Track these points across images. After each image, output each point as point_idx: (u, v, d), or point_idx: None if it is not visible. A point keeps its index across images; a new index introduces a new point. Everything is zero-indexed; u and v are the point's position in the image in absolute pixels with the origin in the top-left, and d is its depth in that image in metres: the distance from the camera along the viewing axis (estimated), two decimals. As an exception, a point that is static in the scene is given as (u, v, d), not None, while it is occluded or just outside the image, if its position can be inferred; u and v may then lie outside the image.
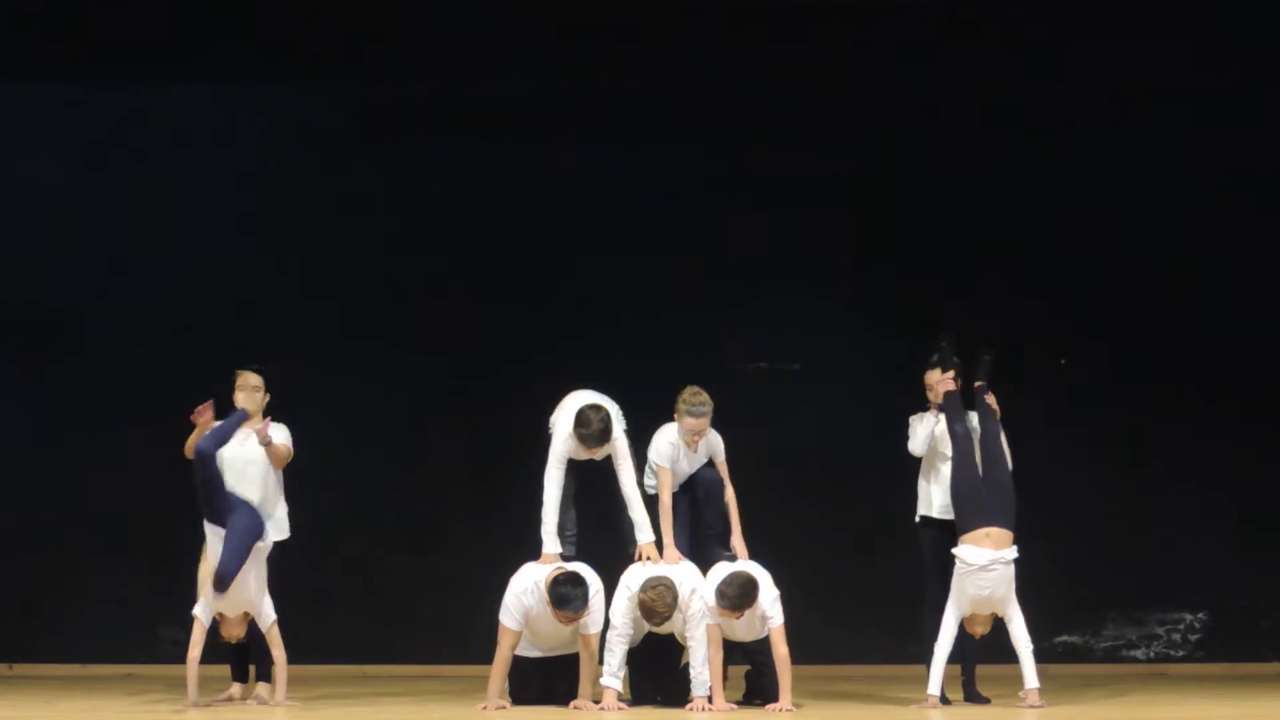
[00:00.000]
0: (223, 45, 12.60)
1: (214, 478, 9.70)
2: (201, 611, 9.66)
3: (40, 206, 12.71)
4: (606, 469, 10.01)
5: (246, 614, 9.68)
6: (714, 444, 10.12)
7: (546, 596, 9.46)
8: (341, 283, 12.64)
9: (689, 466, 10.09)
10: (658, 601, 9.38)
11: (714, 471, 10.09)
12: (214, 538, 9.67)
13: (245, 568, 9.60)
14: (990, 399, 10.13)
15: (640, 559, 9.78)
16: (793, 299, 12.53)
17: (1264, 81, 12.70)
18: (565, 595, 9.40)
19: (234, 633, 9.72)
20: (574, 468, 10.01)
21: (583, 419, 9.83)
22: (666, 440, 10.01)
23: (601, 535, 10.21)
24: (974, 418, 10.14)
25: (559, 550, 9.81)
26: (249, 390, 10.13)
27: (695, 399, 9.91)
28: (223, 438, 9.83)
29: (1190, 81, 12.68)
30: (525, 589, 9.59)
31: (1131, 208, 12.73)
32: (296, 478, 10.38)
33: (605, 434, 9.85)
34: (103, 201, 12.70)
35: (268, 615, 9.71)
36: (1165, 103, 12.74)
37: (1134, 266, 12.71)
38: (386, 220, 12.72)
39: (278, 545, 9.96)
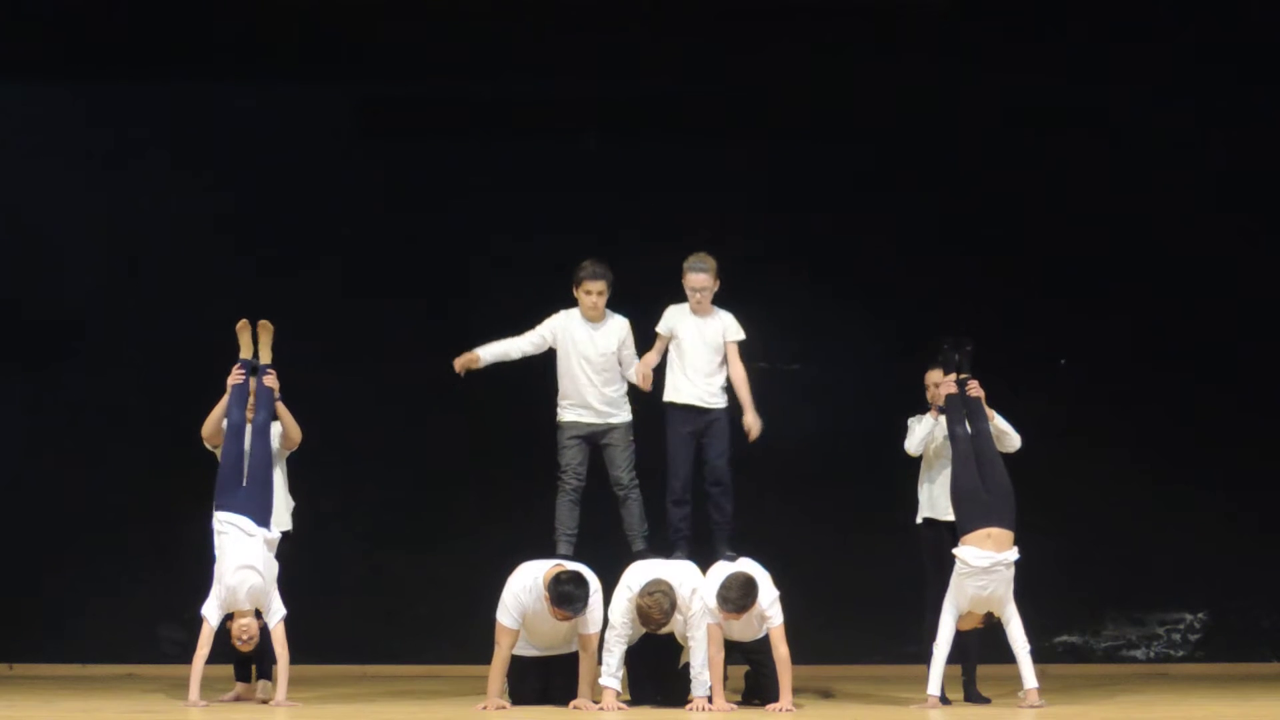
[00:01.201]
0: (222, 45, 12.60)
1: (241, 451, 9.89)
2: (209, 611, 9.65)
3: (40, 207, 12.71)
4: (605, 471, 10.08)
5: (257, 612, 9.67)
6: (728, 322, 10.19)
7: (545, 595, 9.46)
8: (341, 282, 12.64)
9: (698, 337, 10.09)
10: (654, 609, 9.37)
11: (727, 469, 10.07)
12: (221, 533, 9.70)
13: (254, 560, 9.61)
14: (973, 387, 10.11)
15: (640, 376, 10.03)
16: (793, 298, 12.53)
17: (1265, 81, 12.71)
18: (568, 594, 9.38)
19: (245, 624, 9.63)
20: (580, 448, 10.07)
21: (580, 265, 10.05)
22: (675, 308, 10.17)
23: (600, 537, 10.22)
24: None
25: (480, 357, 10.06)
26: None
27: (695, 257, 10.10)
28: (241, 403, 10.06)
29: (1193, 80, 12.69)
30: (523, 588, 9.58)
31: (1134, 207, 12.73)
32: (297, 476, 10.39)
33: (600, 270, 10.01)
34: (102, 201, 12.70)
35: (276, 610, 9.70)
36: (1168, 101, 12.74)
37: (1134, 267, 12.71)
38: (386, 219, 12.72)
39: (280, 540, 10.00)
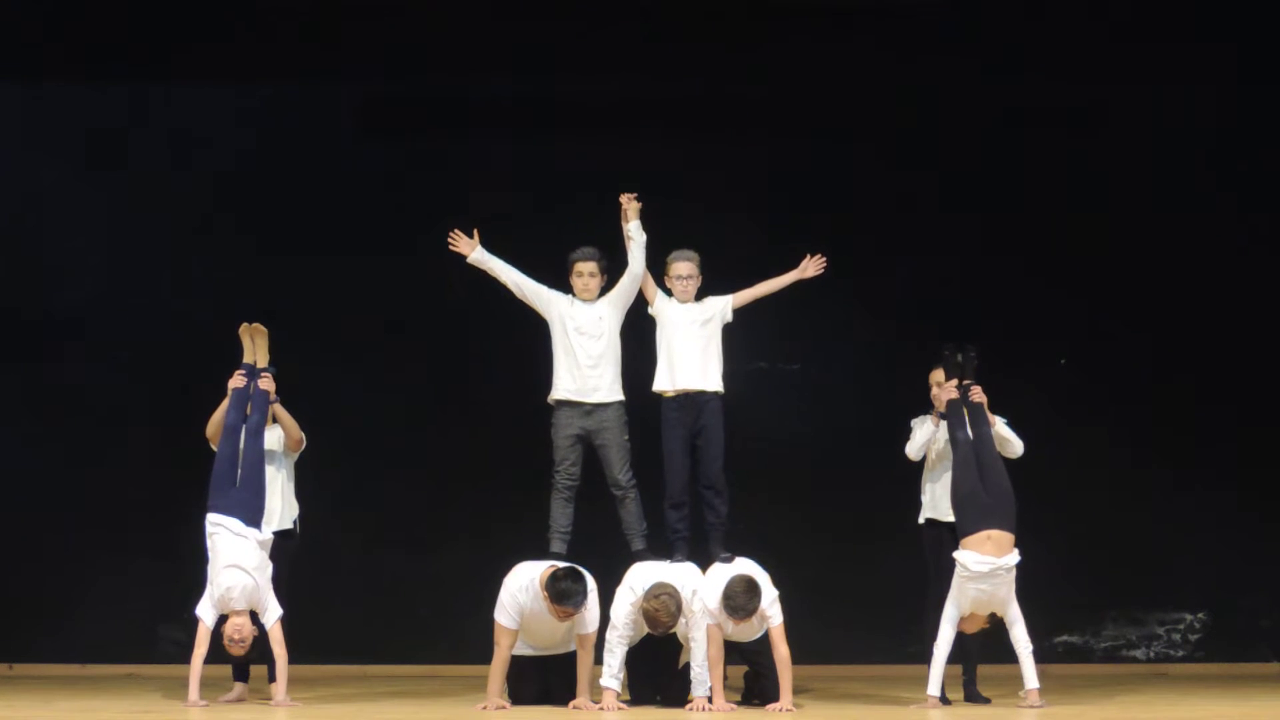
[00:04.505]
0: (222, 45, 12.61)
1: (236, 453, 9.89)
2: (204, 612, 9.66)
3: (40, 207, 12.73)
4: (602, 473, 10.09)
5: (253, 615, 9.65)
6: (716, 301, 10.26)
7: (544, 593, 9.46)
8: (342, 282, 12.64)
9: (684, 322, 10.13)
10: (661, 612, 9.38)
11: (723, 474, 10.07)
12: (212, 534, 9.71)
13: (244, 559, 9.61)
14: (976, 393, 10.10)
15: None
16: (792, 298, 12.50)
17: (1263, 81, 12.72)
18: (566, 590, 9.39)
19: (238, 623, 9.61)
20: (574, 451, 10.04)
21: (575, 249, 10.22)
22: (661, 296, 10.23)
23: (598, 536, 10.22)
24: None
25: (479, 256, 10.24)
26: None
27: (678, 250, 10.23)
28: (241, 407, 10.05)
29: (1191, 80, 12.69)
30: (520, 587, 9.58)
31: (1133, 207, 12.73)
32: (297, 476, 10.39)
33: (591, 251, 10.15)
34: (102, 201, 12.71)
35: (273, 610, 9.70)
36: (1171, 101, 12.75)
37: (1134, 266, 12.71)
38: (386, 219, 12.72)
39: (279, 541, 10.01)
